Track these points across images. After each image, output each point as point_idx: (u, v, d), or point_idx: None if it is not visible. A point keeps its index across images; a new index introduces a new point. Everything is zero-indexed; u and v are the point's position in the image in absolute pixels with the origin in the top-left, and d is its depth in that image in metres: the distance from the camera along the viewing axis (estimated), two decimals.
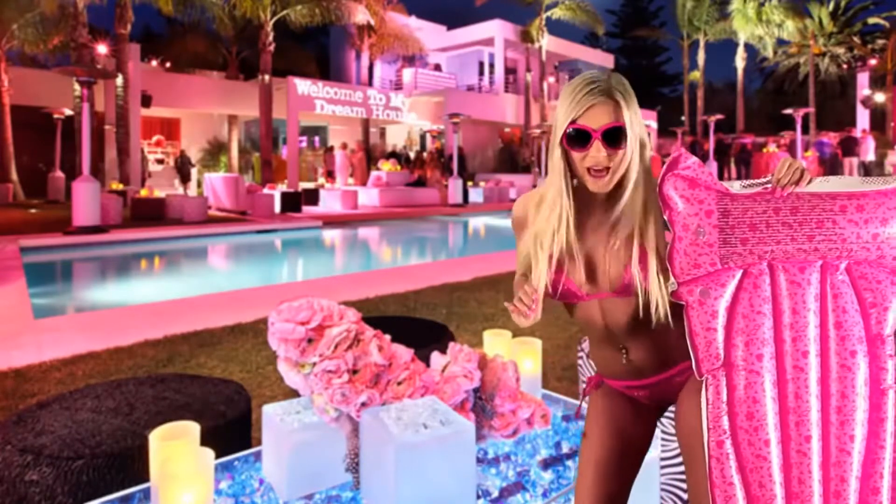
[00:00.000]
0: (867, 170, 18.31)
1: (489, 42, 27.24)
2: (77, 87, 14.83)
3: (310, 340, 1.68)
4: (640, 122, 1.26)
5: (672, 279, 1.20)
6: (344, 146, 20.90)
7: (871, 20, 31.98)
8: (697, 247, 1.16)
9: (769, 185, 1.16)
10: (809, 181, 1.15)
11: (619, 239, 1.29)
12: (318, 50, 31.87)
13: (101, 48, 17.42)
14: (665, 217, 1.20)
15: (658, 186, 1.20)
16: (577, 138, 1.23)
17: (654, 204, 1.27)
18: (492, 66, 27.98)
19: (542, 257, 1.32)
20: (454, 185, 18.04)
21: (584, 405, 1.61)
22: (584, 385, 1.49)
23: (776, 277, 1.14)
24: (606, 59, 33.00)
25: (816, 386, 1.10)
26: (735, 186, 1.18)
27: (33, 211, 14.67)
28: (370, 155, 22.90)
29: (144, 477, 1.70)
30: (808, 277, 1.13)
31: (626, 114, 1.22)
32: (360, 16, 19.96)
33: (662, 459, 1.89)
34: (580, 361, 2.17)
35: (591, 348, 1.48)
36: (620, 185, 1.28)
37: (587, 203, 1.33)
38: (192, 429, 1.60)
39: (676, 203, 1.19)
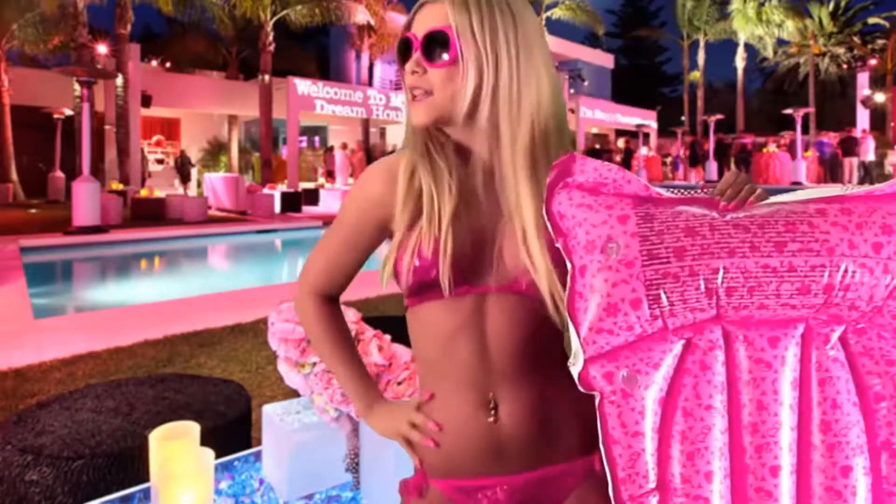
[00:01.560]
0: (867, 170, 18.30)
1: None
2: (77, 87, 14.83)
3: (310, 340, 1.68)
4: (496, 38, 0.85)
5: (576, 349, 0.78)
6: (344, 146, 20.89)
7: (871, 20, 31.97)
8: (609, 272, 0.75)
9: (707, 195, 0.82)
10: (763, 200, 0.81)
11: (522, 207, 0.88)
12: (318, 50, 31.89)
13: (101, 48, 17.41)
14: (559, 247, 0.80)
15: (545, 206, 0.82)
16: (402, 52, 0.89)
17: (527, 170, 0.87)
18: None
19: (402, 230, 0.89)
20: None
21: None
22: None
23: (733, 353, 0.76)
24: (606, 59, 33.01)
25: None
26: (661, 191, 0.82)
27: (33, 211, 14.67)
28: (370, 155, 22.88)
29: (144, 477, 1.70)
30: (782, 354, 0.75)
31: (455, 16, 0.84)
32: (360, 16, 19.95)
33: None
34: None
35: (435, 398, 0.93)
36: (472, 122, 0.88)
37: (460, 154, 0.92)
38: (192, 429, 1.60)
39: (572, 218, 0.79)
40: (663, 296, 0.74)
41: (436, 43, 0.85)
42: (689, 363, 0.76)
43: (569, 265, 0.79)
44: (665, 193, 0.82)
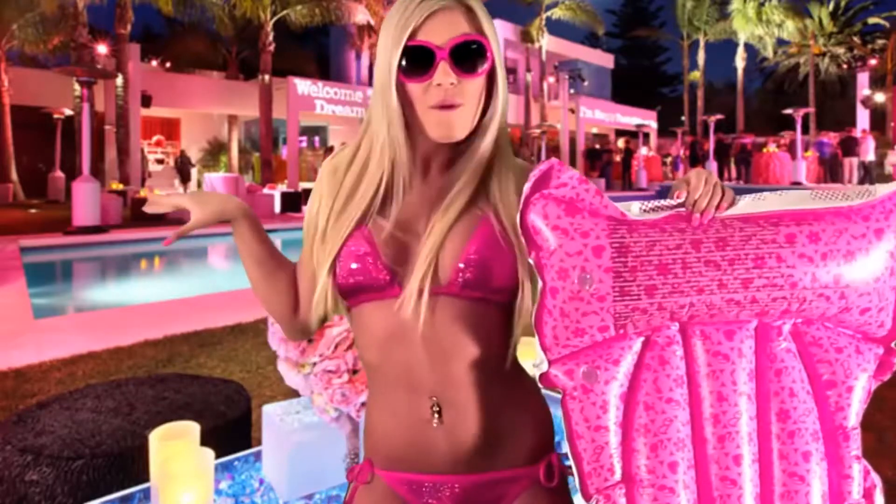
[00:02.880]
0: (867, 170, 18.31)
1: None
2: (77, 87, 14.83)
3: (310, 340, 1.68)
4: (500, 46, 0.86)
5: (539, 355, 0.81)
6: (344, 146, 20.90)
7: (871, 20, 31.98)
8: (580, 302, 0.77)
9: (682, 209, 0.80)
10: (733, 202, 0.80)
11: (461, 201, 0.86)
12: (318, 50, 31.88)
13: (101, 48, 17.43)
14: (531, 260, 0.80)
15: (520, 214, 0.80)
16: (415, 62, 0.81)
17: (508, 167, 0.90)
18: None
19: (340, 221, 0.88)
20: None
21: None
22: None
23: (691, 347, 0.79)
24: (606, 59, 33.01)
25: None
26: (634, 210, 0.81)
27: (33, 211, 14.67)
28: None
29: (144, 477, 1.70)
30: (738, 346, 0.78)
31: (486, 24, 0.82)
32: (360, 16, 19.95)
33: None
34: None
35: (374, 396, 0.93)
36: (476, 133, 0.87)
37: (424, 162, 0.91)
38: (192, 429, 1.60)
39: (547, 238, 0.79)
40: (630, 325, 0.78)
41: (469, 53, 0.82)
42: (649, 359, 0.79)
43: (539, 281, 0.80)
44: (639, 214, 0.81)
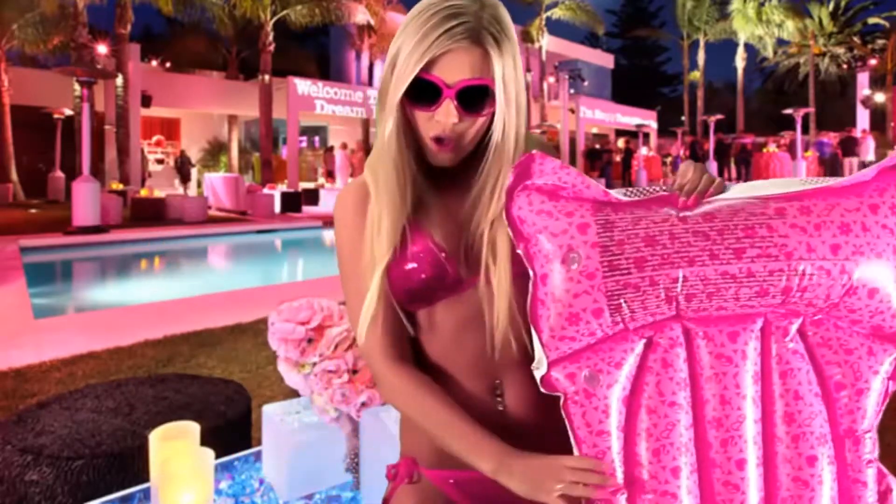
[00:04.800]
0: None
1: None
2: (77, 87, 14.84)
3: (310, 340, 1.68)
4: (518, 80, 0.87)
5: (539, 355, 0.79)
6: (344, 146, 20.88)
7: (871, 20, 31.99)
8: (571, 283, 0.76)
9: (668, 193, 0.81)
10: (724, 190, 0.81)
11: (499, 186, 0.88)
12: (318, 50, 31.89)
13: (101, 48, 17.41)
14: (520, 252, 0.81)
15: (505, 211, 0.83)
16: (423, 92, 0.85)
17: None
18: None
19: (385, 230, 0.88)
20: None
21: None
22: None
23: (694, 349, 0.77)
24: (606, 59, 33.00)
25: None
26: (618, 195, 0.82)
27: (33, 211, 14.67)
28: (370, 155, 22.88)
29: (144, 477, 1.70)
30: (742, 348, 0.76)
31: (498, 67, 0.84)
32: (360, 16, 19.95)
33: None
34: None
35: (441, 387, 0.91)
36: (475, 157, 0.90)
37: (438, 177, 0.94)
38: (192, 429, 1.59)
39: (533, 224, 0.79)
40: (624, 305, 0.76)
41: (475, 95, 0.84)
42: (651, 361, 0.77)
43: (530, 272, 0.79)
44: (623, 198, 0.81)
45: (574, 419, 0.78)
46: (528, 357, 0.86)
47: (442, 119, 0.84)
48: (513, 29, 0.89)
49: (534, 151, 0.84)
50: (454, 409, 0.86)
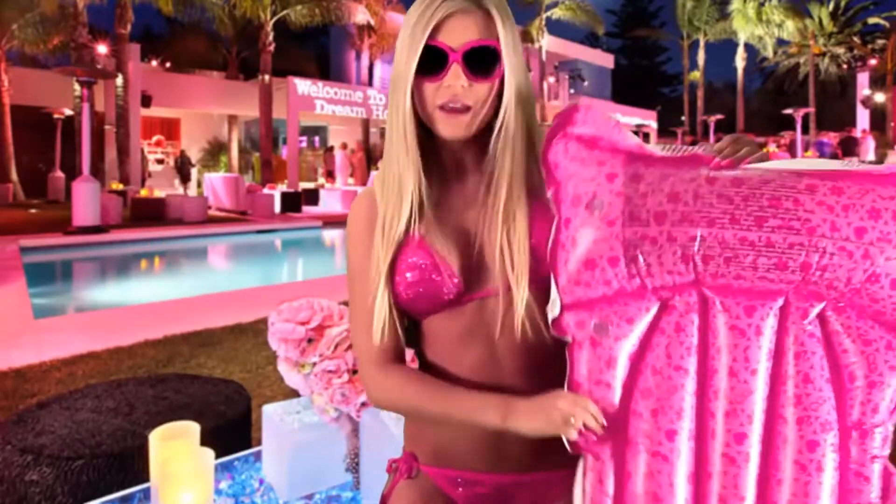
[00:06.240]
0: None
1: None
2: (77, 87, 14.83)
3: (310, 340, 1.68)
4: (519, 49, 0.88)
5: (554, 295, 0.80)
6: (344, 146, 20.88)
7: (871, 20, 31.98)
8: (590, 228, 0.78)
9: (703, 153, 0.80)
10: (761, 159, 0.79)
11: (507, 194, 0.88)
12: (318, 50, 31.90)
13: (101, 48, 17.41)
14: (549, 197, 0.83)
15: (542, 155, 0.84)
16: (430, 62, 0.84)
17: (524, 174, 0.89)
18: None
19: (387, 242, 0.89)
20: None
21: None
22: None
23: (710, 318, 0.75)
24: (606, 59, 33.00)
25: (754, 489, 0.74)
26: (655, 149, 0.82)
27: (33, 211, 14.66)
28: (370, 155, 22.88)
29: (144, 477, 1.70)
30: (758, 323, 0.74)
31: (502, 30, 0.84)
32: (360, 16, 19.95)
33: None
34: None
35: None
36: (489, 131, 0.88)
37: (455, 160, 0.93)
38: (192, 429, 1.59)
39: (565, 170, 0.81)
40: (640, 257, 0.76)
41: (482, 57, 0.84)
42: (664, 323, 0.76)
43: (555, 215, 0.81)
44: (661, 153, 0.81)
45: (576, 365, 0.79)
46: (532, 368, 0.88)
47: (452, 83, 0.84)
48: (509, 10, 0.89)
49: (579, 101, 0.83)
50: (449, 384, 0.88)
